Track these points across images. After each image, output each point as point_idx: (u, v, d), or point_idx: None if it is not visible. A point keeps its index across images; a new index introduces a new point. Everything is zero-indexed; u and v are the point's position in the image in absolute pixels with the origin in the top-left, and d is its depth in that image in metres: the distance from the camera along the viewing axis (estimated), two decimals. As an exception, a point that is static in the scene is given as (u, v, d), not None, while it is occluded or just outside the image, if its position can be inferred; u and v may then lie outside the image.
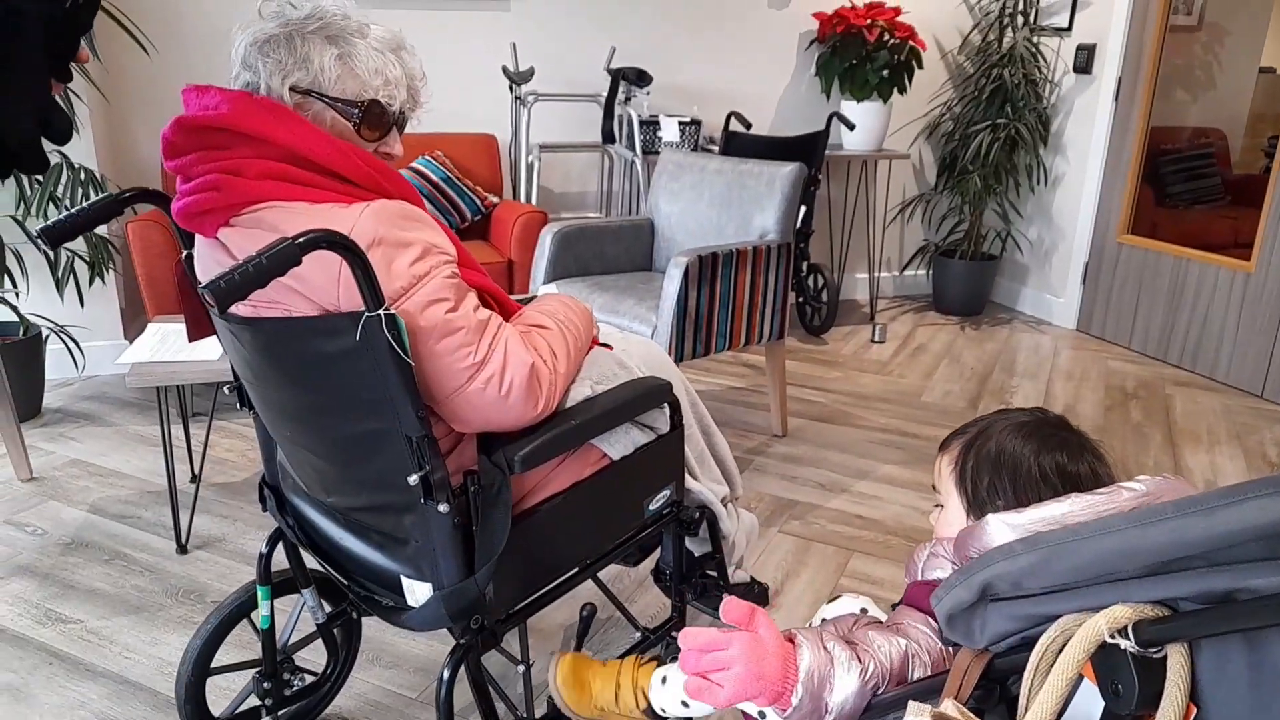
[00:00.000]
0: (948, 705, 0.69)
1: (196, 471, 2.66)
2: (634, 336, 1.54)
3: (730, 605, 0.92)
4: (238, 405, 1.40)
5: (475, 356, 1.12)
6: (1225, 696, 0.56)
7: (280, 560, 1.52)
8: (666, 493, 1.48)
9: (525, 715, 1.44)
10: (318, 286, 1.06)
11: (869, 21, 4.09)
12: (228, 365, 2.21)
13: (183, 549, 2.27)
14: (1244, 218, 3.66)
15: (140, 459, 2.76)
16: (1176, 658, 0.58)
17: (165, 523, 2.39)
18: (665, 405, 1.43)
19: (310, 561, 1.50)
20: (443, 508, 1.13)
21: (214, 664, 1.54)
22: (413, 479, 1.11)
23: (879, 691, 0.88)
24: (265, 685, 1.55)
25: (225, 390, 1.42)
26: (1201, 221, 3.89)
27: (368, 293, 1.00)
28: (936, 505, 1.01)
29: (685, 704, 1.22)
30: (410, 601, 1.25)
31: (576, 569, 1.39)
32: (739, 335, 2.73)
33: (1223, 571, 0.55)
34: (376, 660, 1.88)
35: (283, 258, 0.92)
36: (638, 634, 1.57)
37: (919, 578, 1.00)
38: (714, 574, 1.71)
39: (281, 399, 1.18)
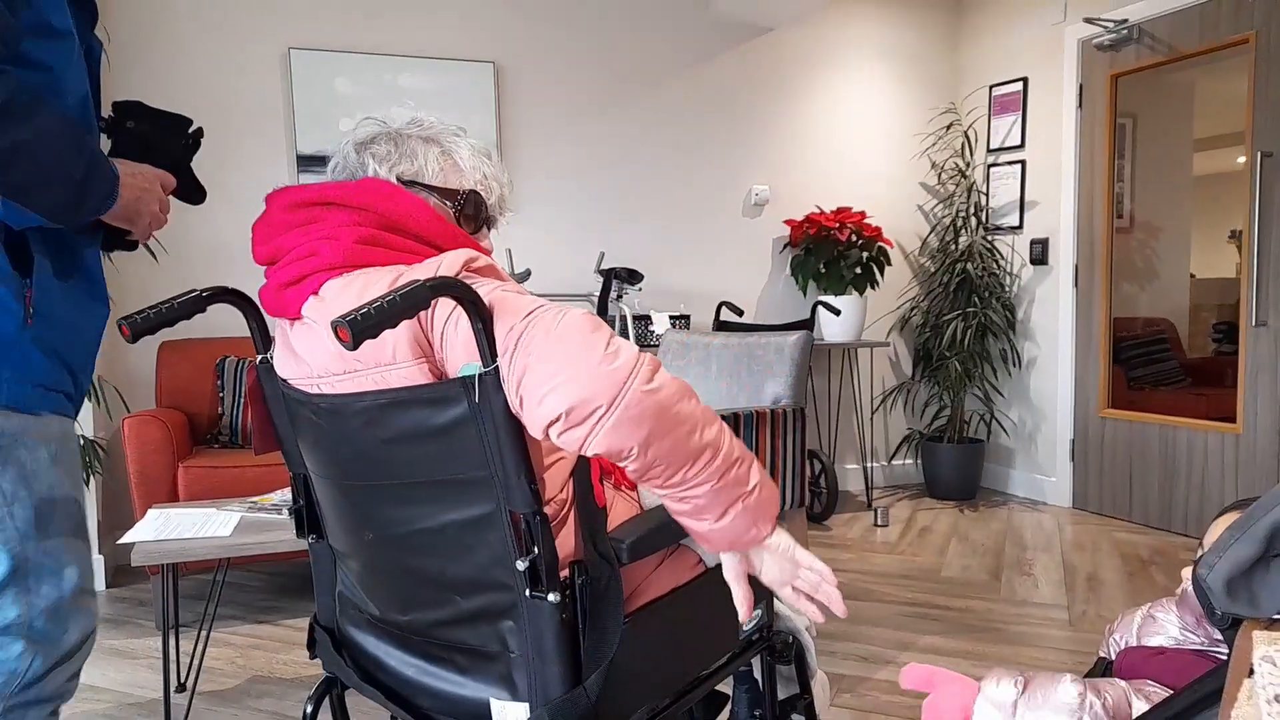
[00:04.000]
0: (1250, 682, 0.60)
1: (183, 680, 2.40)
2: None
3: (910, 670, 0.85)
4: (296, 533, 1.29)
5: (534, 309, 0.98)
6: None
7: (325, 720, 1.34)
8: (758, 613, 1.37)
9: None
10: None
11: (838, 225, 4.38)
12: (241, 541, 2.07)
13: (172, 759, 2.00)
14: (1212, 396, 3.81)
15: (117, 671, 2.49)
16: None
17: (149, 734, 2.12)
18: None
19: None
20: (553, 597, 1.02)
21: None
22: (521, 564, 1.01)
23: None
24: None
25: (286, 513, 1.30)
26: (1172, 401, 4.02)
27: (485, 345, 0.95)
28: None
29: None
30: (500, 731, 1.10)
31: (674, 696, 1.24)
32: (763, 502, 2.66)
33: None
34: None
35: (414, 298, 0.88)
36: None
37: (1136, 642, 0.90)
38: (798, 719, 1.54)
39: (370, 493, 1.09)
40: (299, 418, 1.16)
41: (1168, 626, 0.86)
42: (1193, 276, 3.98)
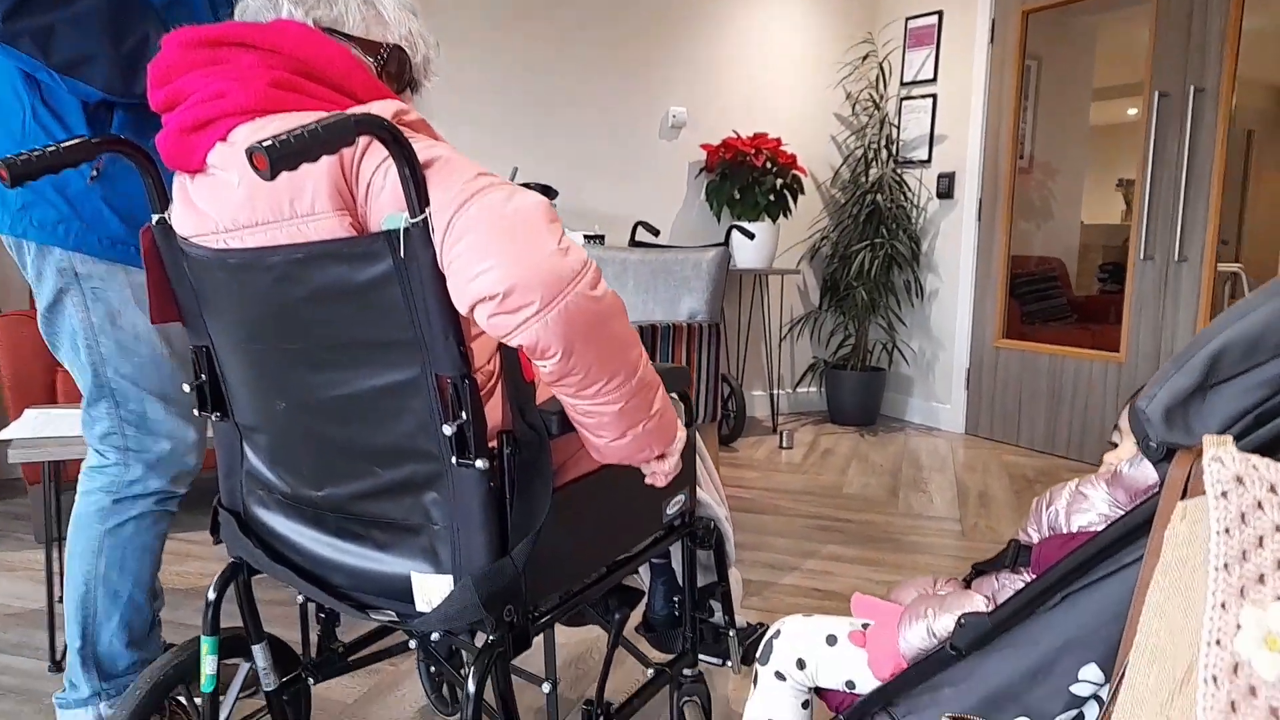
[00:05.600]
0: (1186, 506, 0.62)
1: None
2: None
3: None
4: (197, 410, 1.21)
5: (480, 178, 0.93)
6: None
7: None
8: (681, 498, 1.36)
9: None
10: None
11: (754, 150, 4.37)
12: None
13: (57, 665, 1.89)
14: (1096, 331, 4.02)
15: (-7, 583, 2.35)
16: None
17: (32, 643, 2.01)
18: (681, 400, 1.34)
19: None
20: (481, 464, 0.98)
21: (139, 747, 1.25)
22: (448, 429, 0.96)
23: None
24: (205, 768, 1.26)
25: (185, 389, 1.22)
26: (1060, 335, 4.22)
27: (414, 195, 0.89)
28: (1111, 444, 0.97)
29: None
30: (420, 605, 1.06)
31: (601, 572, 1.23)
32: (677, 414, 2.67)
33: None
34: (319, 759, 1.59)
35: (339, 130, 0.81)
36: (650, 671, 1.40)
37: (1067, 529, 0.90)
38: (715, 606, 1.56)
39: (283, 357, 1.02)
40: (202, 279, 1.08)
41: (1097, 503, 0.87)
42: (1082, 222, 4.15)
